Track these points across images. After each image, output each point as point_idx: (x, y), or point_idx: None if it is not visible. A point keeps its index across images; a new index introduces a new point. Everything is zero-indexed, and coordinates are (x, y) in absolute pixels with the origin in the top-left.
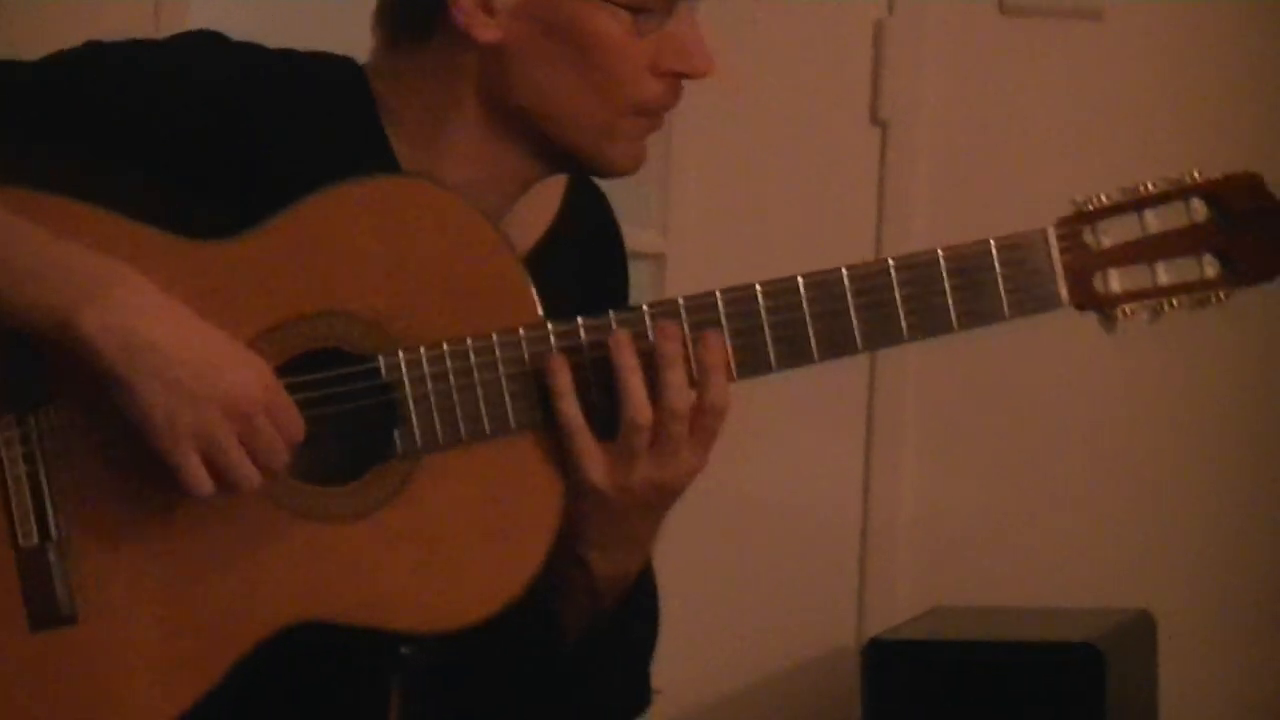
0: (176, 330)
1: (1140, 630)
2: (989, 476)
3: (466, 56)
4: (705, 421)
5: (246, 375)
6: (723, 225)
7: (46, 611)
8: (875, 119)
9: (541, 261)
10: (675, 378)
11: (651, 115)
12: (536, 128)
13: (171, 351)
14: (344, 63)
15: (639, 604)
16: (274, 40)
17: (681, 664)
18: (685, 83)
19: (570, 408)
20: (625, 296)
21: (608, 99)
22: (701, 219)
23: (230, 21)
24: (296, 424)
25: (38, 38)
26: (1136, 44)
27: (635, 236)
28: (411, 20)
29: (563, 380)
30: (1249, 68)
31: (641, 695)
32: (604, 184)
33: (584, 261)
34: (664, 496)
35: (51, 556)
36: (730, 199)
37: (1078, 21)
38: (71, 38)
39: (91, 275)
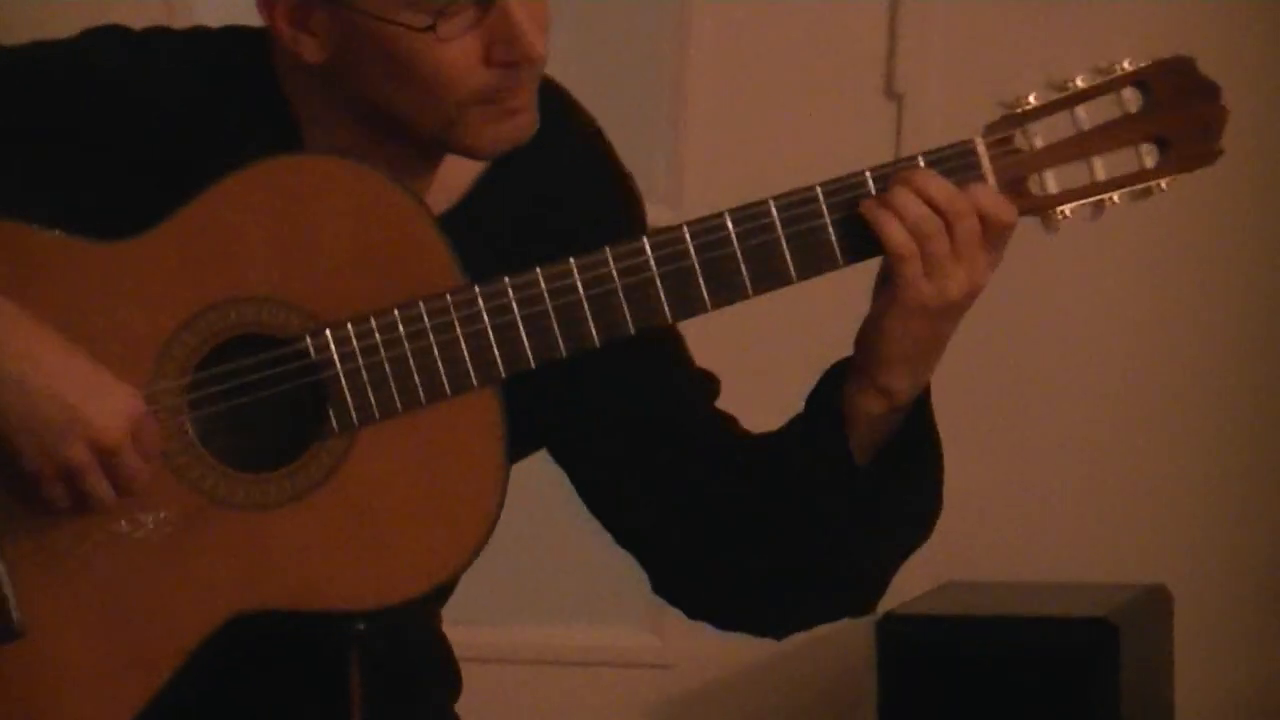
0: (41, 363)
1: (1156, 605)
2: (1003, 451)
3: (308, 69)
4: (990, 224)
5: (115, 405)
6: (735, 198)
7: None
8: (890, 92)
9: (462, 224)
10: (938, 190)
11: (497, 100)
12: (392, 123)
13: (37, 383)
14: (252, 39)
15: (928, 420)
16: None
17: (698, 637)
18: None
19: (899, 233)
20: (627, 214)
21: (434, 99)
22: (714, 193)
23: (240, 11)
24: (157, 450)
25: (46, 35)
26: (1151, 17)
27: (647, 211)
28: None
29: (882, 213)
30: (1259, 39)
31: (936, 502)
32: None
33: (515, 224)
34: (971, 297)
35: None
36: (743, 172)
37: None
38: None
39: None
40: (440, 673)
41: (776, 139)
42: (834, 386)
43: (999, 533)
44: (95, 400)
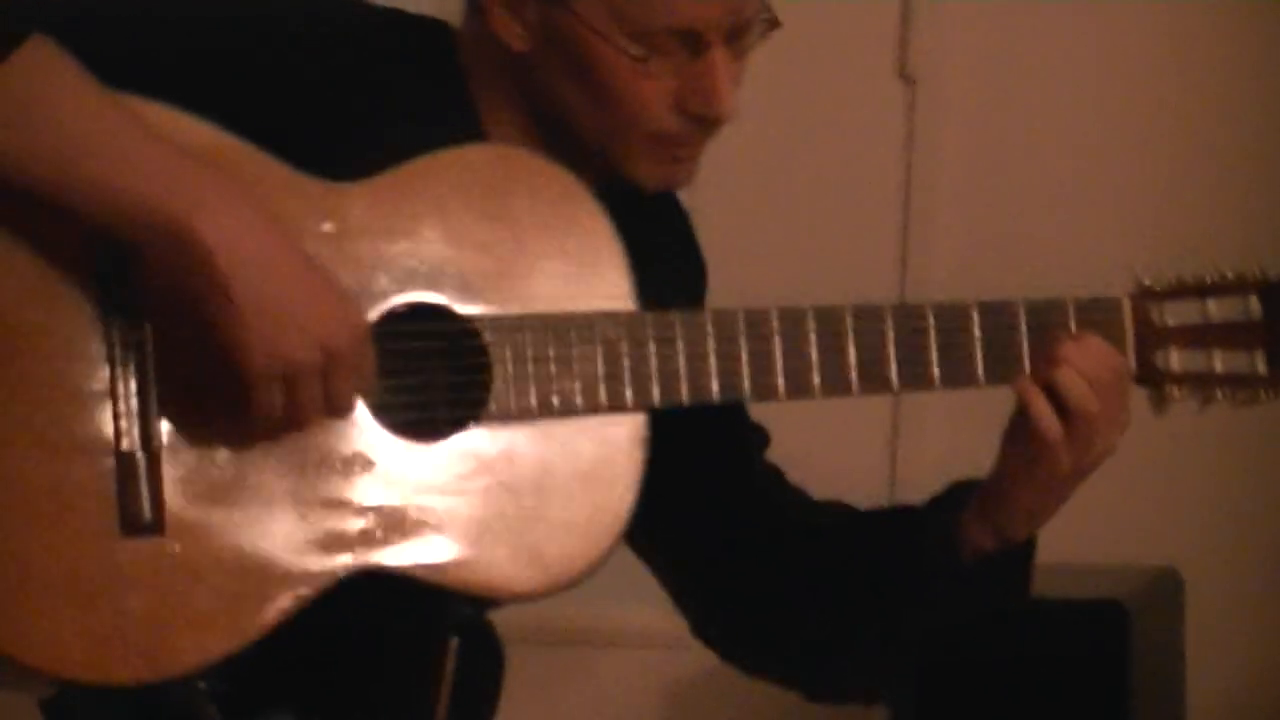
0: (290, 258)
1: (1167, 587)
2: None
3: (505, 55)
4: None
5: (347, 318)
6: (749, 183)
7: (135, 518)
8: (903, 75)
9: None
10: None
11: (670, 144)
12: (564, 137)
13: (284, 276)
14: (437, 26)
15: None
16: None
17: None
18: None
19: (1050, 420)
20: (701, 286)
21: (615, 122)
22: (728, 177)
23: None
24: (371, 378)
25: None
26: (1168, 2)
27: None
28: (471, 2)
29: (1032, 391)
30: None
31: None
32: None
33: (656, 245)
34: (1091, 468)
35: (143, 466)
36: (757, 155)
37: None
38: None
39: (213, 185)
40: (499, 666)
41: (789, 122)
42: (951, 503)
43: None
44: (330, 307)
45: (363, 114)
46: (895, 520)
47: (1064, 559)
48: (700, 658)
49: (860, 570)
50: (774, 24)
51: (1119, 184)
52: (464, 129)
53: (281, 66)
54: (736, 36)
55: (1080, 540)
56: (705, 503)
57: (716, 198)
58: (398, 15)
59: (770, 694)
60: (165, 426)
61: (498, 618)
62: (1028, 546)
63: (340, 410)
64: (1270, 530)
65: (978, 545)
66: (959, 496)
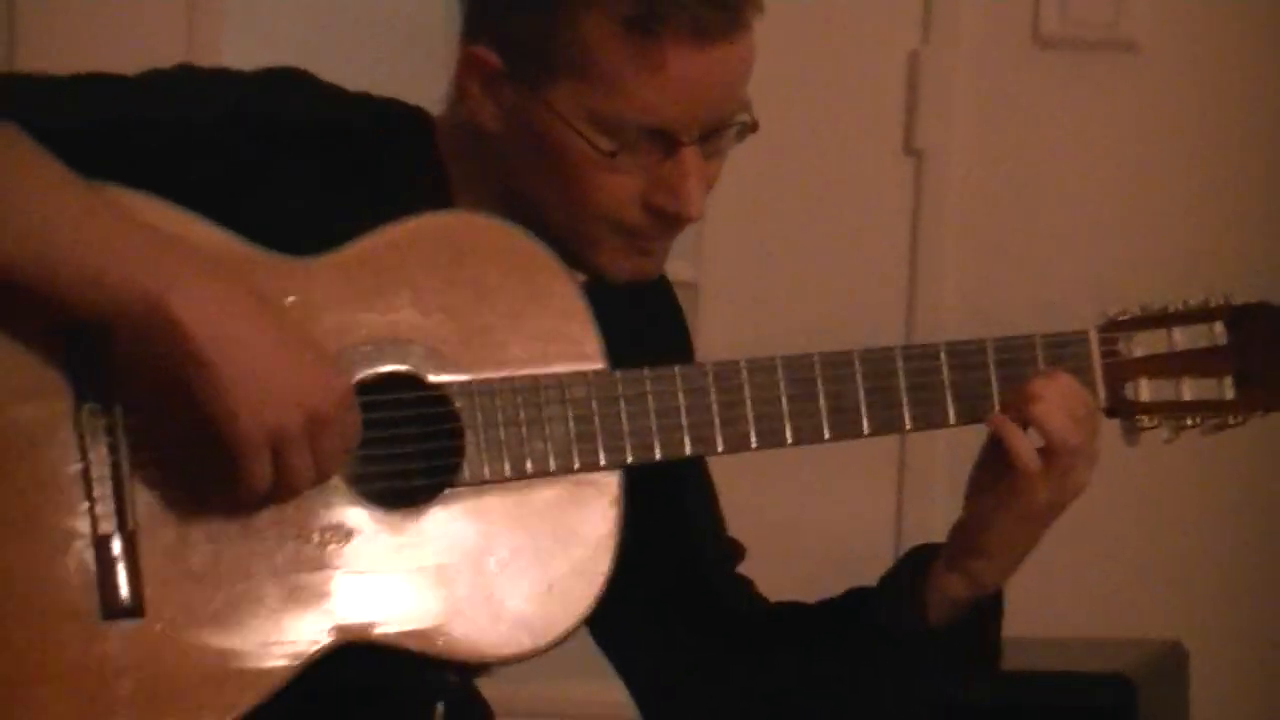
0: (266, 327)
1: (1172, 661)
2: None
3: (482, 135)
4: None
5: (328, 381)
6: (756, 254)
7: (116, 601)
8: (909, 148)
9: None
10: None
11: (637, 238)
12: (533, 223)
13: (261, 346)
14: (413, 112)
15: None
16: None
17: None
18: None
19: (1030, 454)
20: (681, 338)
21: (581, 214)
22: (735, 248)
23: (259, 51)
24: (357, 438)
25: (70, 42)
26: (1172, 77)
27: (668, 265)
28: (453, 84)
29: (1009, 426)
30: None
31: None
32: None
33: (631, 308)
34: (1065, 505)
35: (120, 548)
36: (763, 227)
37: (1113, 53)
38: (104, 39)
39: (185, 263)
40: None
41: (796, 194)
42: (914, 565)
43: (1014, 588)
44: (311, 371)
45: (338, 205)
46: (856, 600)
47: (1070, 633)
48: None
49: (823, 662)
50: (753, 127)
51: (1124, 252)
52: (435, 199)
53: (255, 159)
54: (711, 138)
55: (1087, 614)
56: (669, 613)
57: (724, 269)
58: (377, 103)
59: None
60: (141, 508)
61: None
62: (997, 600)
63: (331, 473)
64: (1276, 605)
65: (953, 595)
66: (919, 559)
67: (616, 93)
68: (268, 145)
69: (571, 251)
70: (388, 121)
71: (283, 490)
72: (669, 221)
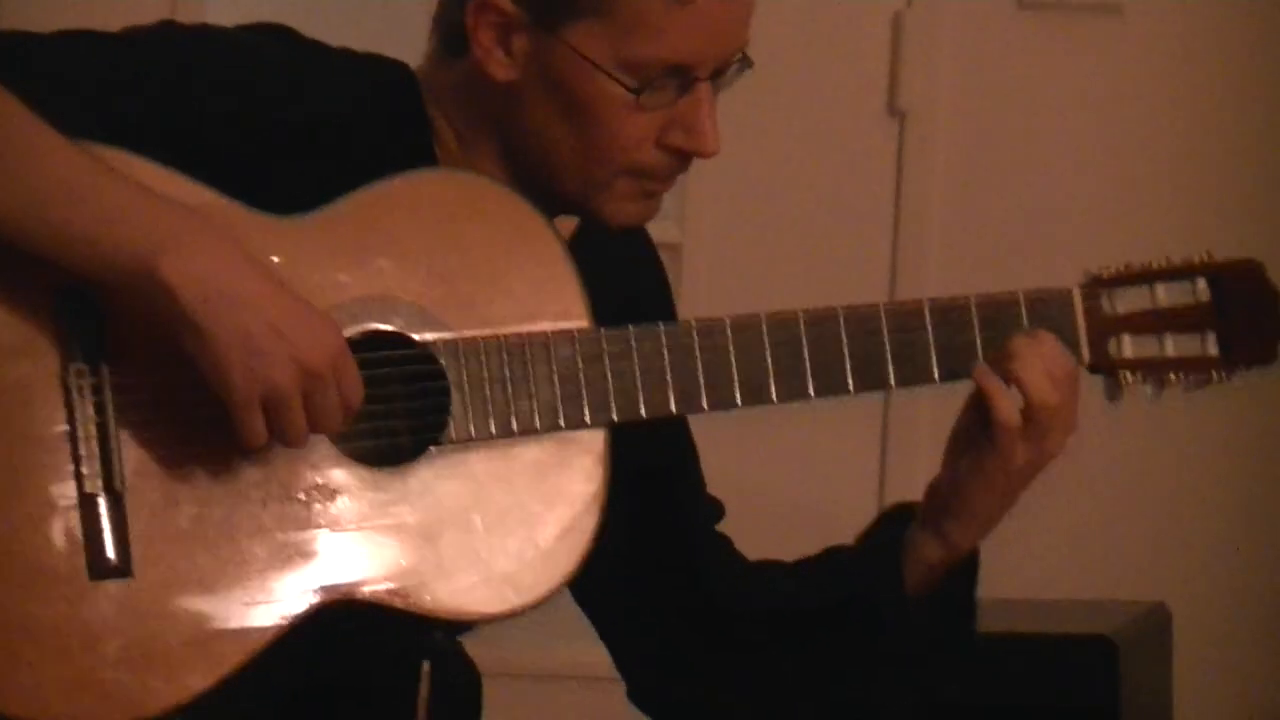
0: (257, 285)
1: (1156, 623)
2: None
3: (486, 86)
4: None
5: (323, 337)
6: (739, 216)
7: (103, 561)
8: (893, 110)
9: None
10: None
11: (647, 179)
12: (538, 172)
13: (252, 305)
14: (397, 66)
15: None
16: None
17: None
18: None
19: (1010, 410)
20: (665, 301)
21: (598, 157)
22: (718, 210)
23: (247, 11)
24: (358, 392)
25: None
26: (1154, 39)
27: (652, 227)
28: (448, 36)
29: (991, 376)
30: (1267, 65)
31: (971, 648)
32: None
33: (616, 267)
34: (1040, 467)
35: (106, 508)
36: (747, 189)
37: (1096, 15)
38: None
39: (176, 224)
40: (476, 690)
41: (779, 156)
42: (891, 528)
43: (997, 550)
44: (304, 328)
45: (323, 162)
46: (832, 563)
47: (1052, 594)
48: None
49: (803, 626)
50: (748, 63)
51: (1108, 215)
52: (420, 158)
53: (239, 118)
54: (719, 74)
55: (1070, 576)
56: (650, 572)
57: (707, 231)
58: (360, 58)
59: None
60: (129, 468)
61: (489, 654)
62: (972, 561)
63: (329, 428)
64: (1260, 567)
65: (927, 559)
66: (896, 518)
67: (643, 30)
68: (250, 102)
69: (575, 198)
70: (371, 76)
71: (282, 444)
72: (683, 160)
